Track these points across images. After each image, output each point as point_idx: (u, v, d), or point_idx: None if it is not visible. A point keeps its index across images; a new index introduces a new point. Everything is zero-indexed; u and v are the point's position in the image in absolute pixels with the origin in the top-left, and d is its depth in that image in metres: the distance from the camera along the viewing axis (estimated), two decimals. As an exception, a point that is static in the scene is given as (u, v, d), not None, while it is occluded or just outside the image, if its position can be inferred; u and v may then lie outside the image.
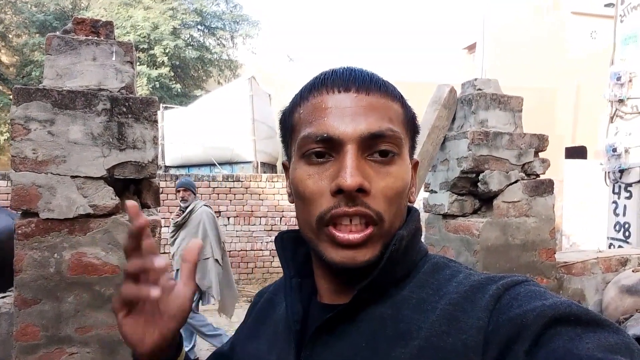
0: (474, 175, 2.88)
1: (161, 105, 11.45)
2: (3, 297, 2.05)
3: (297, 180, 0.66)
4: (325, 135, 0.63)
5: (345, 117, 0.63)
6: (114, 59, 1.93)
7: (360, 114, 0.63)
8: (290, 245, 0.76)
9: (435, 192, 3.13)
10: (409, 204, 0.71)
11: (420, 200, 3.41)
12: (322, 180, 0.63)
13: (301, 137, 0.66)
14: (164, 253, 7.88)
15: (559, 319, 0.52)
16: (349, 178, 0.60)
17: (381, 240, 0.64)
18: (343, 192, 0.61)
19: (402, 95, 0.70)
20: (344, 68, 0.69)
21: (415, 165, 0.74)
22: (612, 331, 0.52)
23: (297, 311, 0.70)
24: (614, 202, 5.73)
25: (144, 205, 2.09)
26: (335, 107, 0.64)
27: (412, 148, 0.73)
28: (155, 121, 1.98)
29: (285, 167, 0.75)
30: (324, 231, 0.63)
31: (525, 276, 0.63)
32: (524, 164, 2.93)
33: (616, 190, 5.70)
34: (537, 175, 3.00)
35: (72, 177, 1.85)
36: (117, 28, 14.26)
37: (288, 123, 0.71)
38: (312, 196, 0.64)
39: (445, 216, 3.05)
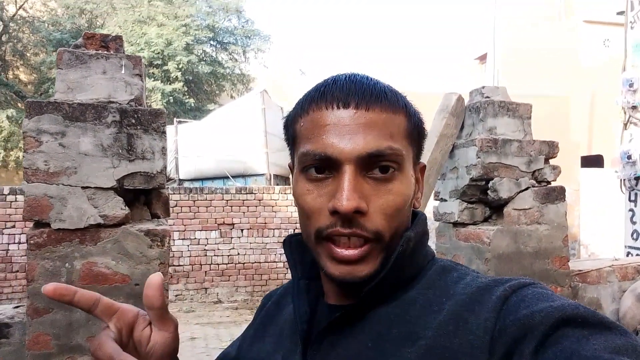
0: (484, 182, 2.86)
1: (175, 119, 11.60)
2: (17, 307, 2.08)
3: (297, 194, 0.67)
4: (323, 154, 0.63)
5: (343, 135, 0.63)
6: (123, 72, 1.97)
7: (359, 132, 0.63)
8: (298, 248, 0.77)
9: (445, 200, 3.11)
10: (414, 209, 0.71)
11: (430, 208, 3.40)
12: (321, 197, 0.64)
13: (300, 153, 0.66)
14: (176, 266, 7.92)
15: (566, 320, 0.53)
16: (345, 202, 0.60)
17: (381, 254, 0.64)
18: (339, 214, 0.61)
19: (406, 103, 0.69)
20: (345, 78, 0.67)
21: (422, 169, 0.74)
22: (619, 333, 0.52)
23: (304, 312, 0.71)
24: (631, 210, 5.64)
25: (154, 215, 2.11)
26: (333, 124, 0.63)
27: (419, 153, 0.72)
28: (164, 132, 2.01)
29: (291, 169, 0.76)
30: (323, 245, 0.64)
31: (533, 279, 0.63)
32: (534, 171, 2.91)
33: (632, 197, 5.62)
34: (548, 182, 2.97)
35: (83, 187, 1.89)
36: (132, 45, 14.53)
37: (290, 131, 0.72)
38: (311, 212, 0.65)
39: (456, 224, 3.03)
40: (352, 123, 0.63)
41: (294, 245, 0.77)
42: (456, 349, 0.57)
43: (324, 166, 0.64)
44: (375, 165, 0.64)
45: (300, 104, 0.69)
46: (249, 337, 0.83)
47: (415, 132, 0.70)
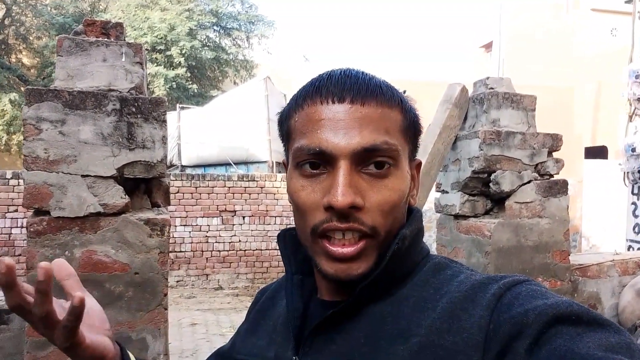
0: (486, 175, 2.85)
1: (177, 105, 11.56)
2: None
3: (291, 190, 0.67)
4: (317, 149, 0.63)
5: (338, 130, 0.62)
6: (123, 60, 1.96)
7: (354, 127, 0.62)
8: (292, 243, 0.76)
9: (447, 192, 3.10)
10: (409, 206, 0.71)
11: (431, 200, 3.39)
12: (316, 193, 0.64)
13: (295, 148, 0.66)
14: (177, 252, 7.95)
15: (560, 318, 0.53)
16: (340, 197, 0.60)
17: (376, 251, 0.64)
18: (334, 209, 0.61)
19: (401, 99, 0.69)
20: (340, 73, 0.67)
21: (417, 166, 0.73)
22: (613, 331, 0.52)
23: (297, 307, 0.71)
24: (633, 203, 5.62)
25: (154, 204, 2.11)
26: (328, 119, 0.63)
27: (414, 150, 0.72)
28: (164, 121, 2.00)
29: (285, 166, 0.75)
30: (318, 243, 0.64)
31: (526, 276, 0.63)
32: (537, 164, 2.90)
33: (635, 191, 5.60)
34: (551, 176, 2.96)
35: (83, 176, 1.88)
36: (134, 30, 14.44)
37: (284, 126, 0.71)
38: (305, 208, 0.64)
39: (457, 217, 3.03)
40: (347, 118, 0.63)
41: (288, 240, 0.77)
42: (450, 346, 0.57)
43: (318, 161, 0.64)
44: (370, 160, 0.63)
45: (295, 100, 0.69)
46: (242, 332, 0.83)
47: (411, 129, 0.69)
